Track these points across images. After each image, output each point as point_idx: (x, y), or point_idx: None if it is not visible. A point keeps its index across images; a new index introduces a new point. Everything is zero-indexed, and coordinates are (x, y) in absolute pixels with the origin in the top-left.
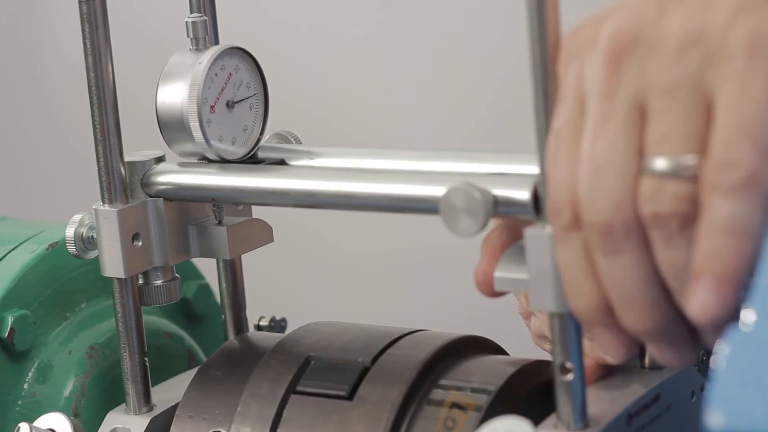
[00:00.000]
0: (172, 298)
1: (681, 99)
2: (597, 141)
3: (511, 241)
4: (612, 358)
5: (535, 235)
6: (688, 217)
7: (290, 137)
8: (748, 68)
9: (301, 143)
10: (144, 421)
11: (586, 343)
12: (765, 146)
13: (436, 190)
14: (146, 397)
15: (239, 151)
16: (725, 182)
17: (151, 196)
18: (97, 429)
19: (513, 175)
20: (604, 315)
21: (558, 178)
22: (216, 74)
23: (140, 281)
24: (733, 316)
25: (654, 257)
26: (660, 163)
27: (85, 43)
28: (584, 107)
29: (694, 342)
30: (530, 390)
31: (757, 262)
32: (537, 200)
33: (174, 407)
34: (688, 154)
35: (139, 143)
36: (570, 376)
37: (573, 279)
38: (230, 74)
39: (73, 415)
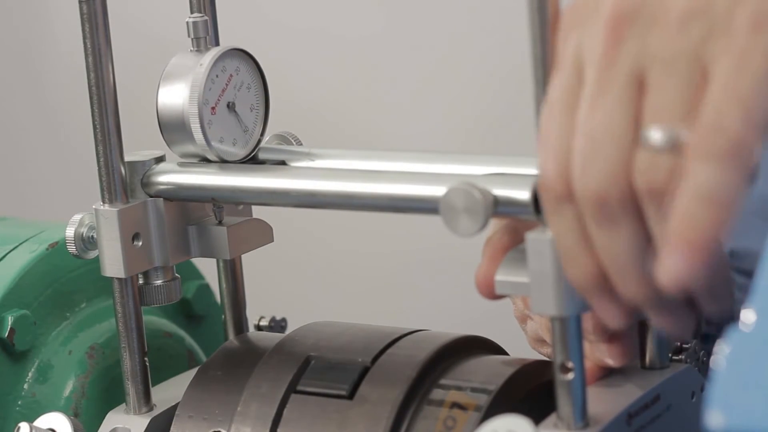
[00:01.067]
0: (172, 298)
1: (680, 71)
2: (594, 111)
3: (513, 245)
4: (612, 361)
5: (537, 238)
6: None
7: (291, 138)
8: (750, 43)
9: (301, 144)
10: (144, 421)
11: (587, 346)
12: (755, 118)
13: (437, 190)
14: (146, 397)
15: (240, 153)
16: (710, 148)
17: (151, 196)
18: (97, 429)
19: (513, 175)
20: (602, 283)
21: (550, 148)
22: (217, 76)
23: (140, 281)
24: (733, 316)
25: (648, 229)
26: (656, 136)
27: (85, 43)
28: (581, 77)
29: (693, 310)
30: (530, 390)
31: (731, 235)
32: (537, 200)
33: (174, 407)
34: (684, 126)
35: (139, 143)
36: (570, 376)
37: (568, 249)
38: (231, 76)
39: (73, 415)
